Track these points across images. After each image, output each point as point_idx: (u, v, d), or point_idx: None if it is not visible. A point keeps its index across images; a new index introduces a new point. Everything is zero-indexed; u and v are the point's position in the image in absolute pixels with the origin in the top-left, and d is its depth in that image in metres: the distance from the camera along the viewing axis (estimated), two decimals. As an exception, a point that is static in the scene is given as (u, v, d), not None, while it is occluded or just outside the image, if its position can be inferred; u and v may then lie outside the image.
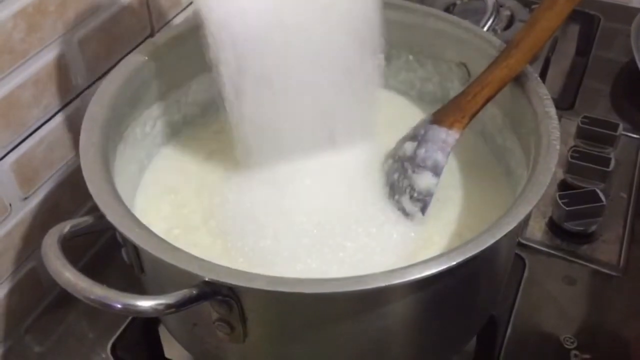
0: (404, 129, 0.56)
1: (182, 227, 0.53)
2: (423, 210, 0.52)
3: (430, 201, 0.52)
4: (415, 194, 0.52)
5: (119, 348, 0.58)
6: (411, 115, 0.63)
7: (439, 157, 0.52)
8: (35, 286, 0.60)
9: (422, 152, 0.53)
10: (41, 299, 0.61)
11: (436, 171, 0.52)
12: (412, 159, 0.53)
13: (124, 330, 0.59)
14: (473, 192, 0.55)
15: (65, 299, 0.61)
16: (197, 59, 0.59)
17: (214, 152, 0.60)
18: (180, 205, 0.55)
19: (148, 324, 0.60)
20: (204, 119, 0.63)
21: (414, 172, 0.53)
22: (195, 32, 0.58)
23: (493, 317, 0.58)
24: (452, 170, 0.57)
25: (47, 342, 0.59)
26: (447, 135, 0.52)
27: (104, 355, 0.58)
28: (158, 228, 0.52)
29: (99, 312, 0.58)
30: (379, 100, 0.55)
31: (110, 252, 0.64)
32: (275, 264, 0.49)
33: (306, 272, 0.48)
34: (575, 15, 0.94)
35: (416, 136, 0.54)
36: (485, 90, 0.52)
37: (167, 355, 0.58)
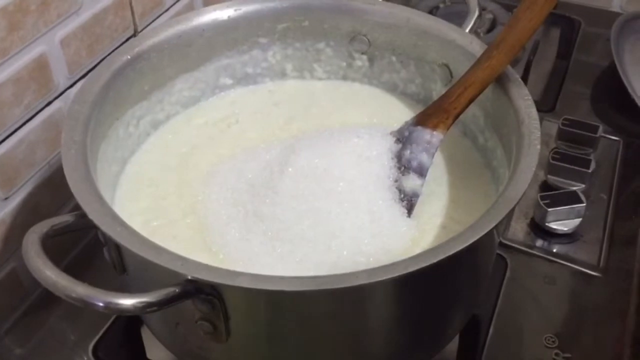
0: (389, 124, 0.57)
1: (161, 220, 0.53)
2: (409, 211, 0.52)
3: (416, 202, 0.53)
4: (402, 195, 0.52)
5: (101, 350, 0.58)
6: (396, 111, 0.63)
7: (424, 158, 0.53)
8: (15, 287, 0.60)
9: (407, 153, 0.53)
10: (22, 301, 0.61)
11: (421, 172, 0.53)
12: (397, 160, 0.53)
13: (106, 331, 0.58)
14: (459, 186, 0.56)
15: (46, 301, 0.60)
16: (180, 59, 0.60)
17: (197, 146, 0.60)
18: (160, 198, 0.55)
19: (130, 325, 0.59)
20: (186, 112, 0.63)
21: (400, 173, 0.53)
22: (178, 32, 0.59)
23: (475, 316, 0.58)
24: (437, 165, 0.57)
25: (27, 344, 0.58)
26: (432, 137, 0.53)
27: (85, 357, 0.57)
28: (137, 220, 0.52)
29: (80, 313, 0.59)
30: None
31: (92, 253, 0.63)
32: (257, 261, 0.49)
33: (290, 270, 0.48)
34: (556, 19, 0.95)
35: (400, 138, 0.55)
36: (468, 91, 0.53)
37: (149, 356, 0.58)
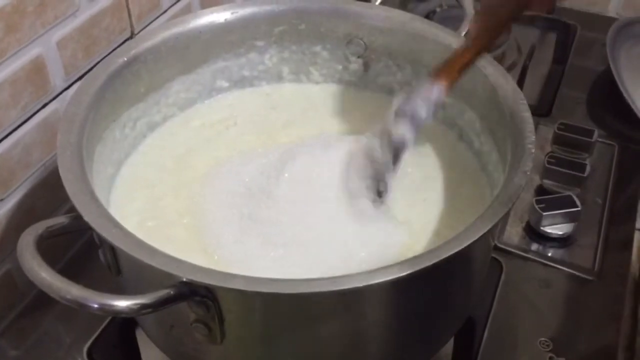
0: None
1: (156, 221, 0.53)
2: (382, 193, 0.52)
3: (390, 183, 0.52)
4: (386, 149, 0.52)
5: (96, 352, 0.57)
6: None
7: (420, 105, 0.51)
8: (10, 289, 0.60)
9: (404, 102, 0.52)
10: (17, 302, 0.61)
11: (414, 121, 0.51)
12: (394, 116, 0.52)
13: (101, 333, 0.58)
14: (454, 191, 0.56)
15: (41, 302, 0.60)
16: (177, 62, 0.60)
17: (193, 148, 0.60)
18: (156, 200, 0.55)
19: (125, 327, 0.59)
20: (183, 114, 0.63)
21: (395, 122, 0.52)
22: (175, 35, 0.59)
23: (471, 319, 0.58)
24: (433, 170, 0.58)
25: (22, 346, 0.58)
26: (433, 87, 0.51)
27: (80, 359, 0.57)
28: (132, 221, 0.52)
29: (75, 315, 0.59)
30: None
31: (87, 255, 0.63)
32: (252, 263, 0.49)
33: (285, 273, 0.48)
34: (552, 24, 0.96)
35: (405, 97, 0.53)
36: (474, 43, 0.52)
37: (144, 358, 0.58)
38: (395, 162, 0.52)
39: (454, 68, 0.52)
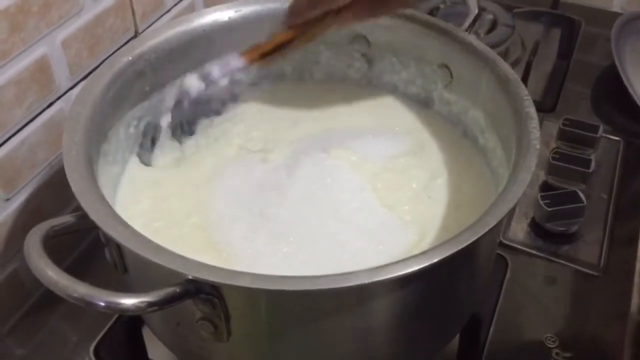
0: (390, 126, 0.57)
1: (163, 221, 0.53)
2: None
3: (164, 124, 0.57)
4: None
5: (102, 350, 0.58)
6: (397, 112, 0.64)
7: (215, 70, 0.57)
8: (17, 288, 0.60)
9: (209, 63, 0.57)
10: (23, 301, 0.61)
11: (205, 79, 0.57)
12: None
13: (107, 332, 0.59)
14: (458, 188, 0.56)
15: (47, 301, 0.61)
16: (181, 60, 0.60)
17: (199, 147, 0.60)
18: (162, 200, 0.55)
19: (131, 325, 0.60)
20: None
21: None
22: (179, 34, 0.59)
23: (476, 316, 0.58)
24: (437, 167, 0.58)
25: (29, 345, 0.58)
26: (235, 60, 0.57)
27: (86, 358, 0.57)
28: (138, 222, 0.52)
29: (81, 314, 0.59)
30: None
31: (94, 253, 0.64)
32: (262, 260, 0.49)
33: (294, 271, 0.48)
34: (556, 19, 0.95)
35: None
36: (280, 37, 0.56)
37: (150, 356, 0.58)
38: (175, 107, 0.57)
39: (257, 52, 0.57)
